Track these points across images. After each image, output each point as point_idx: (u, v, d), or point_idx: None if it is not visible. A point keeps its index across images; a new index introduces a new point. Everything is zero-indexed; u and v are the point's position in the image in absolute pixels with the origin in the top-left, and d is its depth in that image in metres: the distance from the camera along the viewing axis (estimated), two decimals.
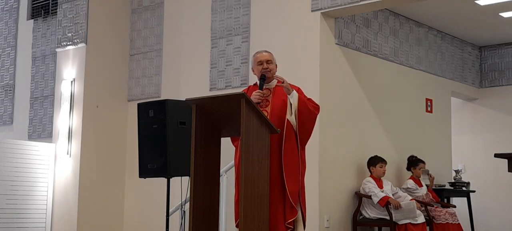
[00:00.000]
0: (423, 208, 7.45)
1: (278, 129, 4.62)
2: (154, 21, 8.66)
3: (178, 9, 8.43)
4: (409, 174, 8.01)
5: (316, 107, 4.89)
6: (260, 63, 4.92)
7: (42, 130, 9.27)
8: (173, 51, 8.41)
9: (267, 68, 4.89)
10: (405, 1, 7.32)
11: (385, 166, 7.40)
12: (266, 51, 4.99)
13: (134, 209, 8.54)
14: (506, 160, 5.43)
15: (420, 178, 7.98)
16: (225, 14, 7.86)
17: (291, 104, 4.79)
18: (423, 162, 7.98)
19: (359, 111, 7.52)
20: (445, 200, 8.36)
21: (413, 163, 7.96)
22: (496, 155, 5.58)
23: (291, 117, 4.77)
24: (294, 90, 4.81)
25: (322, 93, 6.97)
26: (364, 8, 7.03)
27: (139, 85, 8.71)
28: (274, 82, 4.93)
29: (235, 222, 4.77)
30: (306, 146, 4.93)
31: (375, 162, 7.39)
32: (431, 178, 8.09)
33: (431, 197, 7.82)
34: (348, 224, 7.24)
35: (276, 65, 4.99)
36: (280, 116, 4.79)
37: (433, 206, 7.74)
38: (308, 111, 4.81)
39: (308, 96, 4.82)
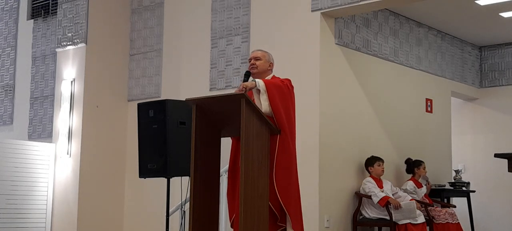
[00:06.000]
0: (423, 208, 7.45)
1: (279, 129, 4.61)
2: (154, 21, 8.66)
3: (178, 9, 8.44)
4: (409, 175, 8.01)
5: (286, 85, 4.72)
6: (249, 60, 4.91)
7: (42, 130, 9.27)
8: (173, 51, 8.41)
9: (253, 64, 4.85)
10: (405, 1, 7.32)
11: (383, 164, 7.40)
12: (259, 50, 4.96)
13: (134, 209, 8.54)
14: (506, 160, 5.44)
15: (420, 179, 7.99)
16: (225, 14, 7.86)
17: (259, 91, 4.62)
18: (423, 162, 7.99)
19: (359, 111, 7.52)
20: (445, 200, 8.36)
21: (415, 164, 7.96)
22: (496, 155, 5.58)
23: (263, 109, 4.58)
24: (257, 80, 4.66)
25: (322, 93, 6.98)
26: (364, 8, 7.03)
27: (139, 85, 8.71)
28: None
29: (230, 219, 4.76)
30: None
31: (372, 162, 7.39)
32: (429, 186, 8.12)
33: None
34: (348, 224, 7.24)
35: (270, 63, 4.90)
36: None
37: (433, 206, 7.75)
38: (275, 86, 4.65)
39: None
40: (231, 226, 4.74)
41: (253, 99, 4.68)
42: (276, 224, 4.59)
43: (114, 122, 8.68)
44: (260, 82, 4.64)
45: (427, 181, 8.12)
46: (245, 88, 4.60)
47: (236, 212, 4.57)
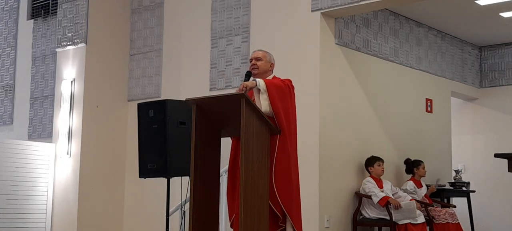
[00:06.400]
0: (423, 208, 7.45)
1: (279, 129, 4.61)
2: (154, 21, 8.66)
3: (178, 9, 8.44)
4: (409, 175, 8.01)
5: (287, 85, 4.74)
6: (250, 60, 4.93)
7: (42, 130, 9.27)
8: (173, 51, 8.41)
9: (254, 64, 4.86)
10: (405, 1, 7.32)
11: (383, 164, 7.40)
12: (260, 50, 4.97)
13: (134, 209, 8.54)
14: (506, 160, 5.44)
15: (421, 179, 7.98)
16: (225, 14, 7.86)
17: (259, 90, 4.62)
18: (422, 161, 7.99)
19: (359, 111, 7.52)
20: (445, 200, 8.36)
21: (414, 164, 7.96)
22: (496, 155, 5.59)
23: (263, 109, 4.59)
24: (257, 80, 4.67)
25: (322, 93, 6.97)
26: (364, 8, 7.03)
27: (139, 85, 8.71)
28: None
29: (230, 219, 4.76)
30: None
31: (372, 162, 7.39)
32: (432, 188, 8.11)
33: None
34: (348, 224, 7.24)
35: (271, 64, 4.92)
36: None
37: (433, 206, 7.75)
38: (276, 86, 4.66)
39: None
40: (231, 226, 4.74)
41: (253, 98, 4.68)
42: (277, 224, 4.59)
43: (114, 122, 8.68)
44: (260, 82, 4.64)
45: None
46: (246, 87, 4.60)
47: (236, 212, 4.57)
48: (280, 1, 7.43)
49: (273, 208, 4.54)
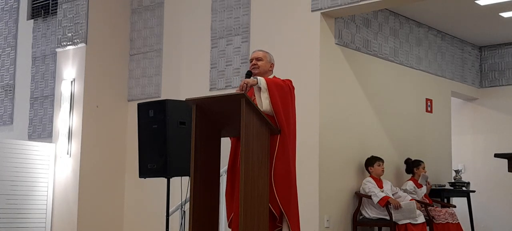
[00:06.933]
0: (423, 208, 7.45)
1: (279, 129, 4.61)
2: (154, 21, 8.66)
3: (178, 9, 8.44)
4: (409, 175, 8.01)
5: (287, 84, 4.76)
6: (251, 60, 4.95)
7: (42, 130, 9.27)
8: (173, 51, 8.41)
9: (255, 64, 4.88)
10: (405, 1, 7.32)
11: (383, 164, 7.40)
12: (260, 50, 5.00)
13: (134, 209, 8.54)
14: (506, 160, 5.44)
15: (420, 179, 7.99)
16: (225, 14, 7.86)
17: (260, 89, 4.63)
18: (422, 161, 7.99)
19: (359, 111, 7.52)
20: (445, 200, 8.36)
21: (414, 164, 7.96)
22: (496, 155, 5.59)
23: (263, 107, 4.61)
24: (259, 78, 4.68)
25: (322, 93, 6.98)
26: (364, 8, 7.03)
27: (139, 85, 8.71)
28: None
29: (228, 219, 4.76)
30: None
31: (372, 162, 7.39)
32: (429, 186, 8.12)
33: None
34: (348, 224, 7.24)
35: (271, 64, 4.95)
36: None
37: (433, 206, 7.76)
38: (276, 85, 4.68)
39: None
40: (229, 226, 4.74)
41: (254, 97, 4.69)
42: (275, 224, 4.59)
43: (114, 122, 8.68)
44: (261, 80, 4.66)
45: (426, 180, 8.13)
46: (247, 84, 4.62)
47: (235, 211, 4.58)
48: (280, 1, 7.43)
49: (272, 208, 4.54)
